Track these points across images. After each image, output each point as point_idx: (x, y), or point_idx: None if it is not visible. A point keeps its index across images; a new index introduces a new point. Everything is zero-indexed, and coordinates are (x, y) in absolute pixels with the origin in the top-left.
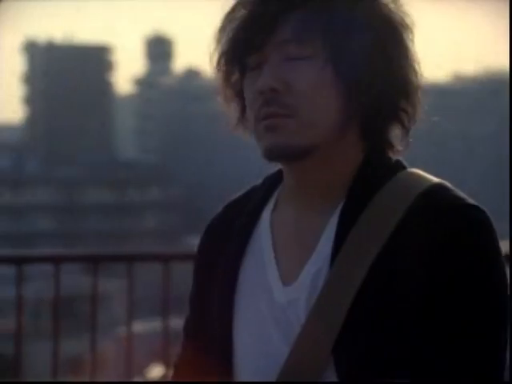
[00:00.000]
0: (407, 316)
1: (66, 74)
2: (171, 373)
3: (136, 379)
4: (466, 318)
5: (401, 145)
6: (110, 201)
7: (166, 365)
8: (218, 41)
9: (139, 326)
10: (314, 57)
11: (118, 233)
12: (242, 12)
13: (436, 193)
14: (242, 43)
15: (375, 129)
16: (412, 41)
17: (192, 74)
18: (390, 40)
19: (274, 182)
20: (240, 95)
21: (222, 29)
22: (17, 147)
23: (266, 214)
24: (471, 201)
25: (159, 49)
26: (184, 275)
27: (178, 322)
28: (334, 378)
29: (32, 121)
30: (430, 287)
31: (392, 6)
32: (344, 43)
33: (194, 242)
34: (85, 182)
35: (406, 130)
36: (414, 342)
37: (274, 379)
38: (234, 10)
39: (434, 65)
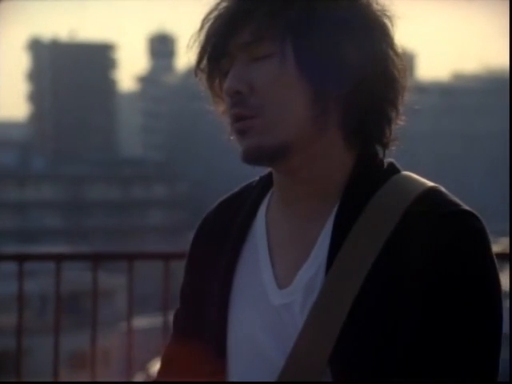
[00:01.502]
0: (406, 323)
1: (70, 72)
2: (159, 366)
3: (138, 373)
4: (463, 324)
5: (392, 144)
6: (115, 198)
7: None
8: (194, 43)
9: (143, 322)
10: (275, 54)
11: (123, 230)
12: (215, 13)
13: (431, 198)
14: (210, 48)
15: (357, 127)
16: (393, 34)
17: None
18: (365, 34)
19: (268, 182)
20: (222, 98)
21: (198, 32)
22: (22, 144)
23: (260, 215)
24: (466, 207)
25: (162, 46)
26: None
27: None
28: None
29: (36, 118)
30: (426, 295)
31: (373, 4)
32: (303, 37)
33: None
34: (90, 179)
35: (391, 129)
36: (414, 351)
37: None
38: (211, 11)
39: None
